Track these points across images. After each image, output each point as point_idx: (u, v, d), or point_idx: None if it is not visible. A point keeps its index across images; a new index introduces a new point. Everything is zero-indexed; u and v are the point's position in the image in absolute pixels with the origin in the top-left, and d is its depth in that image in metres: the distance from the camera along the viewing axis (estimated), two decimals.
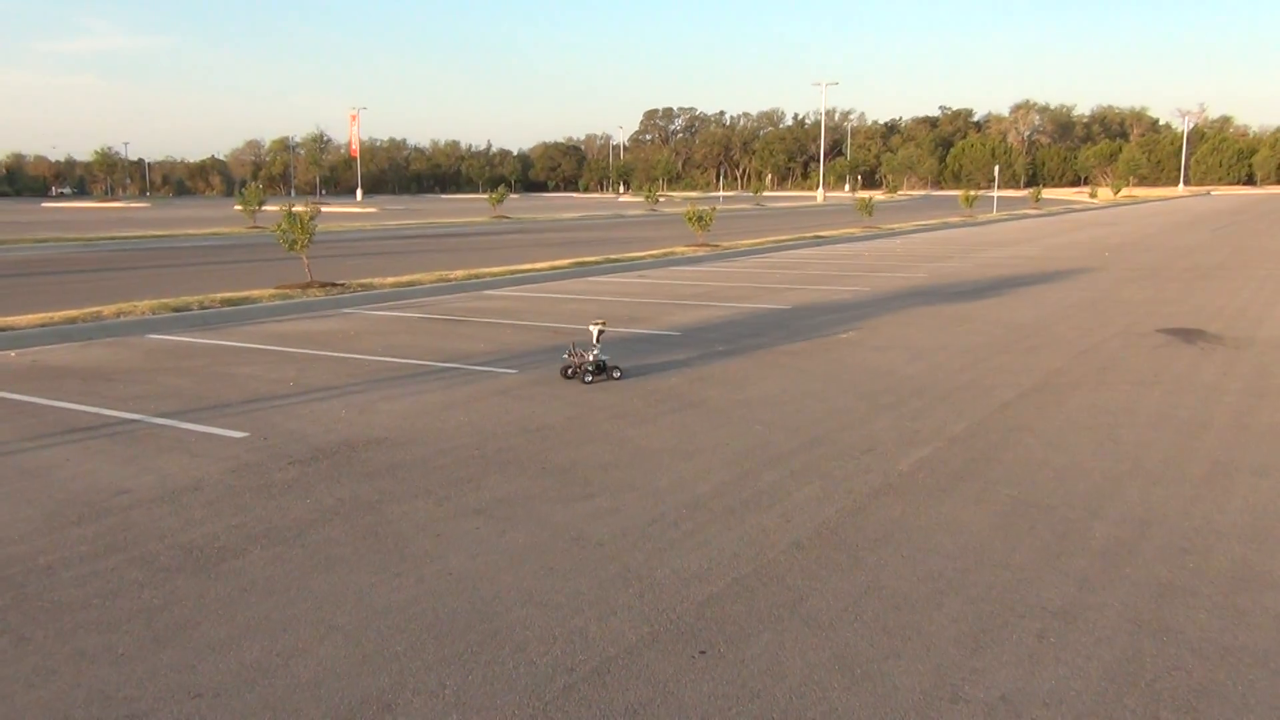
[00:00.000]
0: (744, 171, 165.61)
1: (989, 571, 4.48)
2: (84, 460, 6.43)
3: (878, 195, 72.65)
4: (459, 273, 18.16)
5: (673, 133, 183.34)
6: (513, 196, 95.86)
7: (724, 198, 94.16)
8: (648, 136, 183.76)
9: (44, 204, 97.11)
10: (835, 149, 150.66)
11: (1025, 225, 40.77)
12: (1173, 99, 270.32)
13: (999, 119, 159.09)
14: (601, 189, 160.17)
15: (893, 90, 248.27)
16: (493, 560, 4.68)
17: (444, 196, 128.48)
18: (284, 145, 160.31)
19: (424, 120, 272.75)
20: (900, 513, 5.27)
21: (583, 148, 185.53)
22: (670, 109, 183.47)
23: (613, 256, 22.18)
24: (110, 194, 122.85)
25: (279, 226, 15.83)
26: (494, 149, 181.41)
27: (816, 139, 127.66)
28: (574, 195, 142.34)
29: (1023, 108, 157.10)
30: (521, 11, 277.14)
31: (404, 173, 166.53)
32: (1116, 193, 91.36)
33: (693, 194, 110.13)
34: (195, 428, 7.26)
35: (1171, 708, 3.33)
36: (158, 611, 4.17)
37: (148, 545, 4.93)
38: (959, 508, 5.35)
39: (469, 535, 5.01)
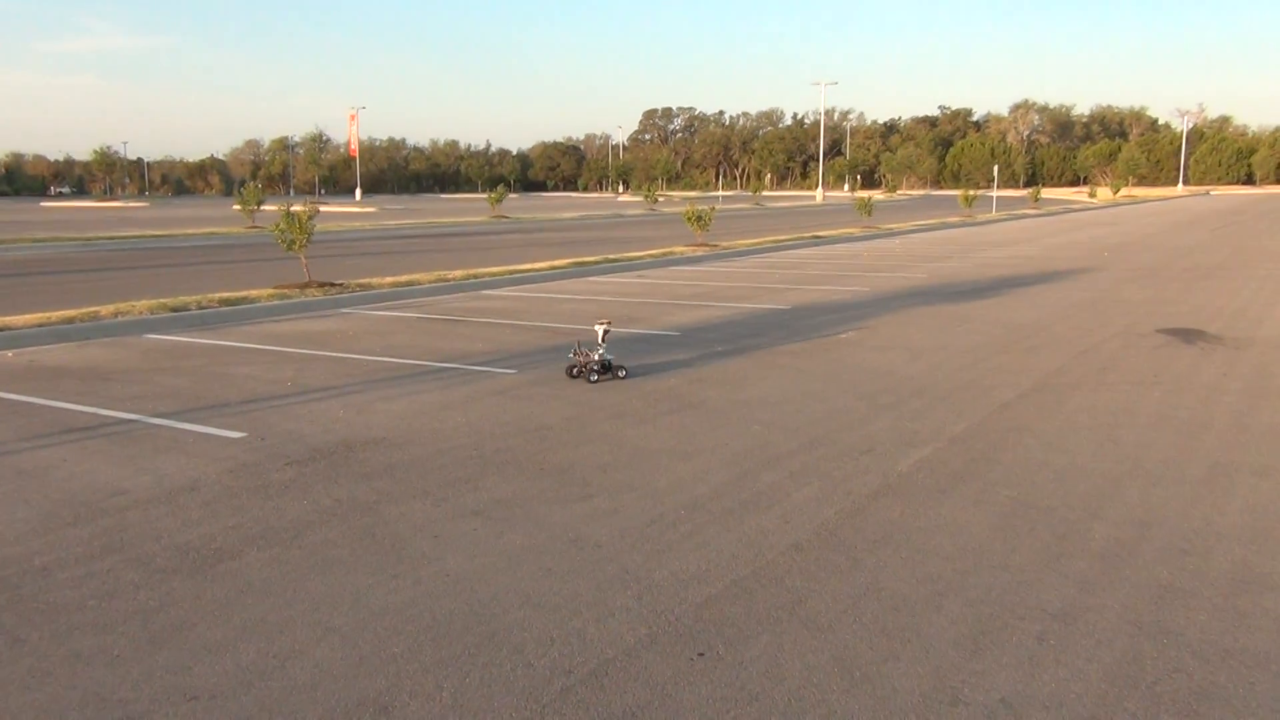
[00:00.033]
0: (743, 171, 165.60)
1: (988, 573, 4.46)
2: (81, 460, 6.41)
3: (877, 195, 72.64)
4: (458, 273, 18.14)
5: (672, 132, 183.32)
6: (512, 196, 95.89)
7: (723, 197, 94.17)
8: (647, 136, 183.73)
9: (43, 203, 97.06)
10: (834, 149, 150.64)
11: (1024, 225, 40.77)
12: (1172, 99, 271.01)
13: (998, 119, 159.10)
14: (601, 189, 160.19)
15: (892, 90, 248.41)
16: (490, 561, 4.66)
17: (443, 196, 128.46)
18: (283, 145, 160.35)
19: (423, 120, 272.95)
20: (899, 514, 5.26)
21: (582, 147, 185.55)
22: (669, 109, 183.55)
23: (611, 256, 22.17)
24: (109, 193, 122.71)
25: (277, 226, 15.81)
26: (493, 149, 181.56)
27: (816, 139, 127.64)
28: (573, 195, 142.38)
29: (1022, 107, 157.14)
30: (521, 11, 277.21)
31: (403, 172, 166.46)
32: (1116, 192, 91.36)
33: (692, 194, 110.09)
34: (192, 428, 7.24)
35: (1172, 711, 3.31)
36: (154, 613, 4.15)
37: (144, 546, 4.91)
38: (958, 509, 5.33)
39: (467, 536, 4.99)
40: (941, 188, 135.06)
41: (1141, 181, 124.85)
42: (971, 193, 50.74)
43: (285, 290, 15.18)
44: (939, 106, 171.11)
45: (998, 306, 13.96)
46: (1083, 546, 4.78)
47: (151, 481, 5.95)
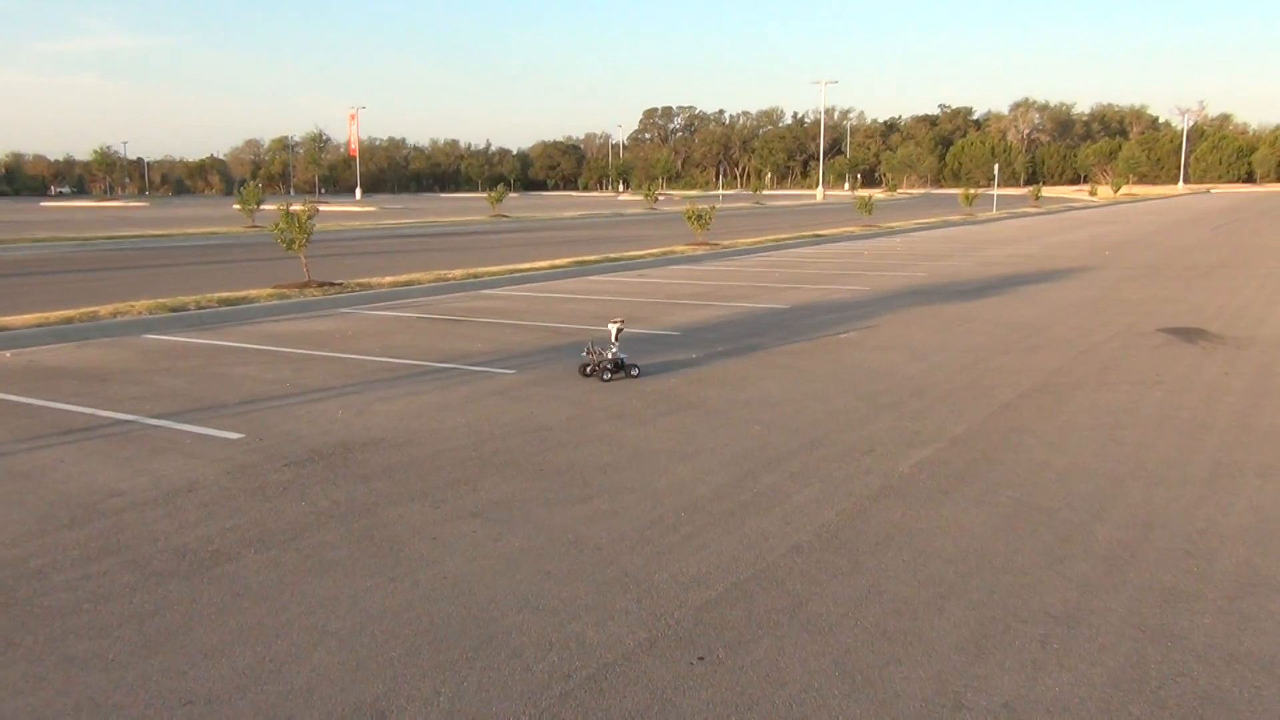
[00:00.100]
0: (743, 170, 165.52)
1: (990, 575, 4.43)
2: (78, 462, 6.38)
3: (877, 194, 72.55)
4: (457, 272, 18.11)
5: (672, 131, 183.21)
6: (512, 195, 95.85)
7: (723, 196, 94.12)
8: (647, 135, 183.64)
9: (42, 203, 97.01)
10: (835, 147, 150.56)
11: (1025, 223, 40.73)
12: (1172, 97, 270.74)
13: (999, 117, 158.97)
14: (601, 188, 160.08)
15: (892, 88, 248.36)
16: (489, 564, 4.63)
17: (443, 195, 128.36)
18: (283, 144, 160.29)
19: (423, 119, 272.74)
20: (901, 515, 5.22)
21: (582, 146, 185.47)
22: (669, 108, 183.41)
23: (612, 256, 22.13)
24: (109, 193, 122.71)
25: (277, 226, 15.77)
26: (493, 148, 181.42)
27: (816, 137, 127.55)
28: (573, 194, 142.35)
29: (1022, 106, 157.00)
30: (520, 10, 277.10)
31: (403, 172, 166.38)
32: (1116, 191, 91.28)
33: (692, 193, 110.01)
34: (190, 429, 7.21)
35: (1177, 716, 3.28)
36: (149, 616, 4.12)
37: (140, 548, 4.87)
38: (960, 510, 5.30)
39: (465, 538, 4.96)
40: (942, 186, 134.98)
41: (1142, 180, 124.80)
42: (972, 191, 50.72)
43: (284, 290, 15.15)
44: (939, 105, 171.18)
45: (998, 305, 13.92)
46: (1085, 548, 4.74)
47: (149, 483, 5.92)
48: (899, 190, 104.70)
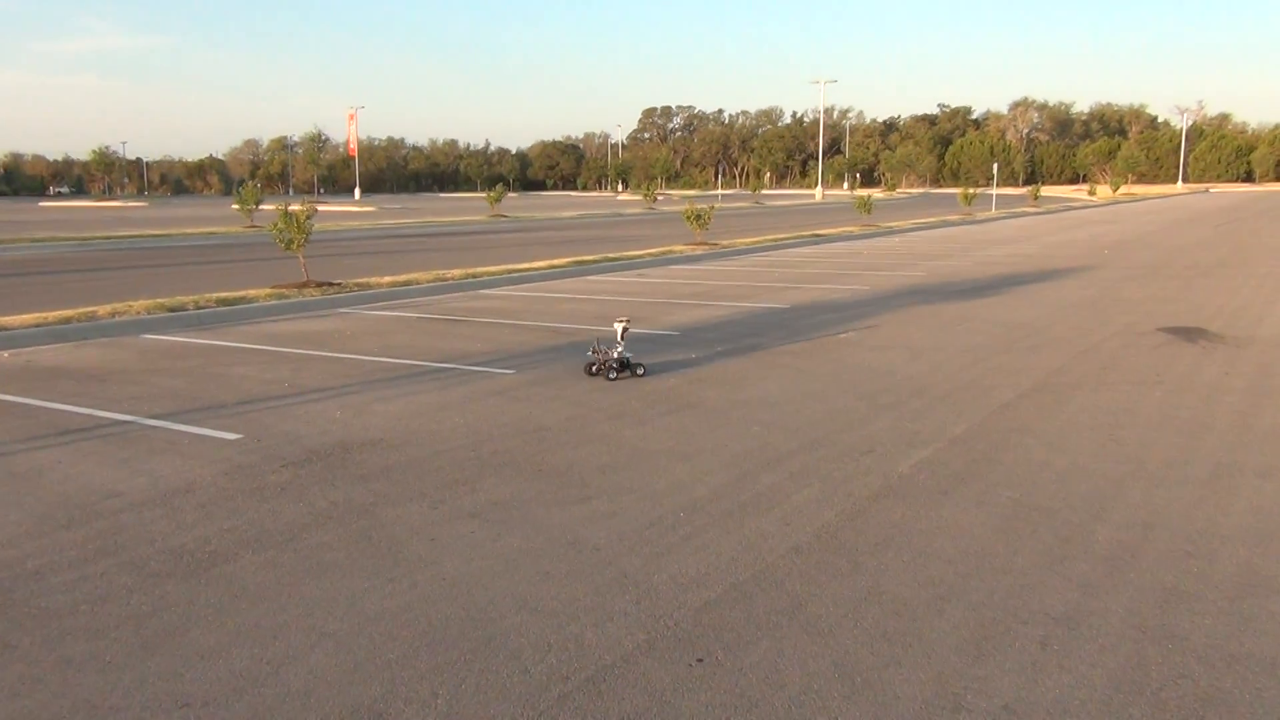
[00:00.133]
0: (742, 170, 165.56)
1: (990, 576, 4.42)
2: (75, 462, 6.36)
3: (876, 193, 72.54)
4: (456, 272, 18.09)
5: (671, 131, 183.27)
6: (511, 195, 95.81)
7: (722, 196, 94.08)
8: (646, 135, 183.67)
9: (41, 203, 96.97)
10: (834, 147, 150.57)
11: (1024, 223, 40.72)
12: (1171, 96, 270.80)
13: (998, 116, 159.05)
14: (600, 187, 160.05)
15: (891, 88, 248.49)
16: (487, 565, 4.61)
17: (442, 195, 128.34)
18: (282, 144, 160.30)
19: (422, 119, 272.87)
20: (900, 516, 5.21)
21: (581, 146, 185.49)
22: (668, 107, 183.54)
23: (611, 255, 22.12)
24: (108, 193, 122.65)
25: (275, 226, 15.76)
26: (492, 148, 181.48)
27: (815, 137, 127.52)
28: (572, 194, 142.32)
29: (1021, 105, 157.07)
30: (519, 10, 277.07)
31: (402, 172, 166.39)
32: (1115, 190, 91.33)
33: (691, 192, 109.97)
34: (188, 429, 7.19)
35: (1178, 717, 3.27)
36: (147, 618, 4.10)
37: (138, 549, 4.86)
38: (960, 511, 5.28)
39: (464, 539, 4.94)
40: (941, 186, 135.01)
41: (1141, 179, 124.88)
42: (971, 191, 50.73)
43: (283, 290, 15.13)
44: (938, 104, 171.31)
45: (998, 305, 13.91)
46: (1085, 549, 4.73)
47: (146, 484, 5.90)
48: (898, 190, 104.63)
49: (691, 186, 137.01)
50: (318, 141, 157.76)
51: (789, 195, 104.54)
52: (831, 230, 32.51)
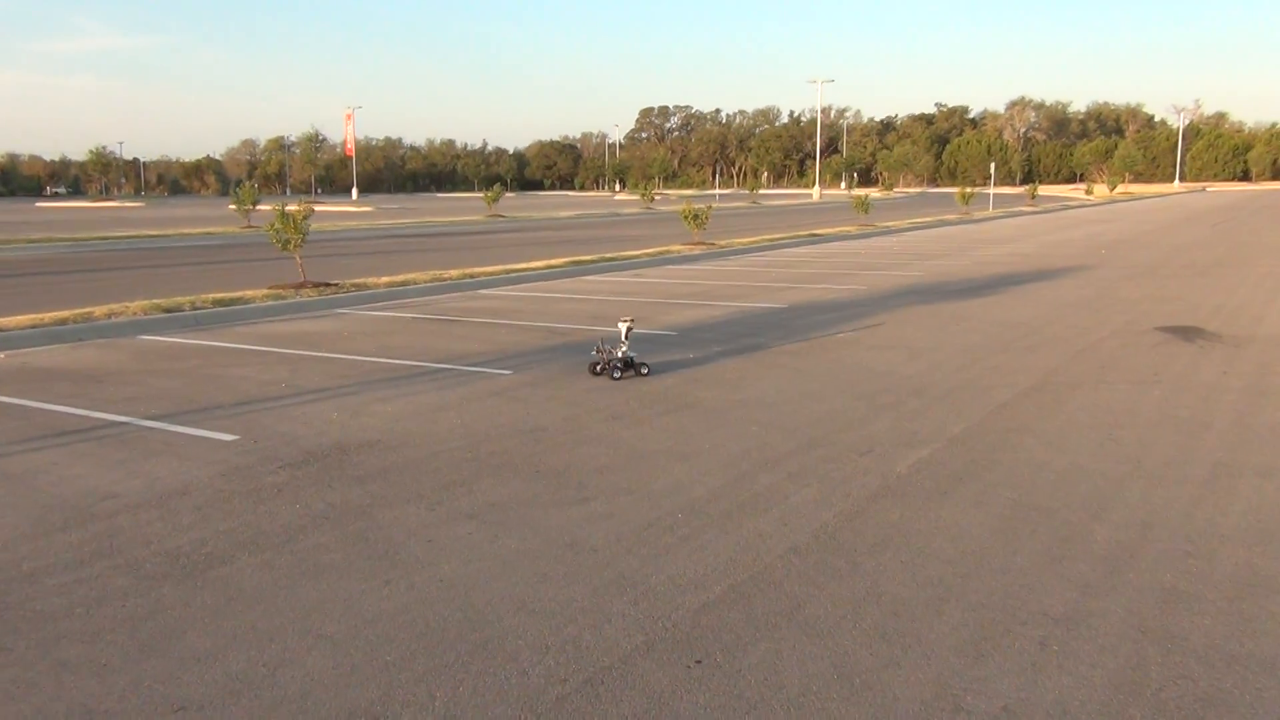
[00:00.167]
0: (740, 169, 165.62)
1: (989, 577, 4.40)
2: (71, 464, 6.34)
3: (874, 193, 72.61)
4: (454, 272, 18.07)
5: (668, 131, 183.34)
6: (508, 195, 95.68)
7: (720, 195, 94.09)
8: (643, 135, 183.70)
9: (38, 204, 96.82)
10: (831, 146, 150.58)
11: (1021, 222, 40.74)
12: (1168, 95, 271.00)
13: (995, 116, 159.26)
14: (597, 187, 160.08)
15: (888, 87, 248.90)
16: (485, 567, 4.60)
17: (439, 195, 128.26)
18: (279, 144, 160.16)
19: (420, 119, 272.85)
20: (899, 516, 5.20)
21: (578, 146, 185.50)
22: (666, 107, 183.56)
23: (608, 255, 22.10)
24: (105, 194, 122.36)
25: (272, 226, 15.73)
26: (490, 148, 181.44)
27: (812, 136, 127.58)
28: (570, 193, 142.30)
29: (1018, 104, 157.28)
30: (517, 10, 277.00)
31: (399, 172, 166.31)
32: (1112, 189, 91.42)
33: (688, 192, 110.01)
34: (185, 430, 7.17)
35: (1178, 718, 3.25)
36: (142, 620, 4.08)
37: (134, 552, 4.84)
38: (958, 511, 5.27)
39: (461, 541, 4.92)
40: (938, 185, 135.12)
41: (1138, 178, 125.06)
42: (968, 190, 50.75)
43: (280, 290, 15.10)
44: (935, 104, 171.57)
45: (996, 305, 13.90)
46: (1085, 549, 4.72)
47: (143, 485, 5.88)
48: (895, 189, 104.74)
49: (689, 186, 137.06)
50: (315, 141, 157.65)
51: (786, 195, 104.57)
52: (829, 230, 32.51)
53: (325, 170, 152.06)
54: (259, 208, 39.03)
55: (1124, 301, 14.12)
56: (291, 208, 16.06)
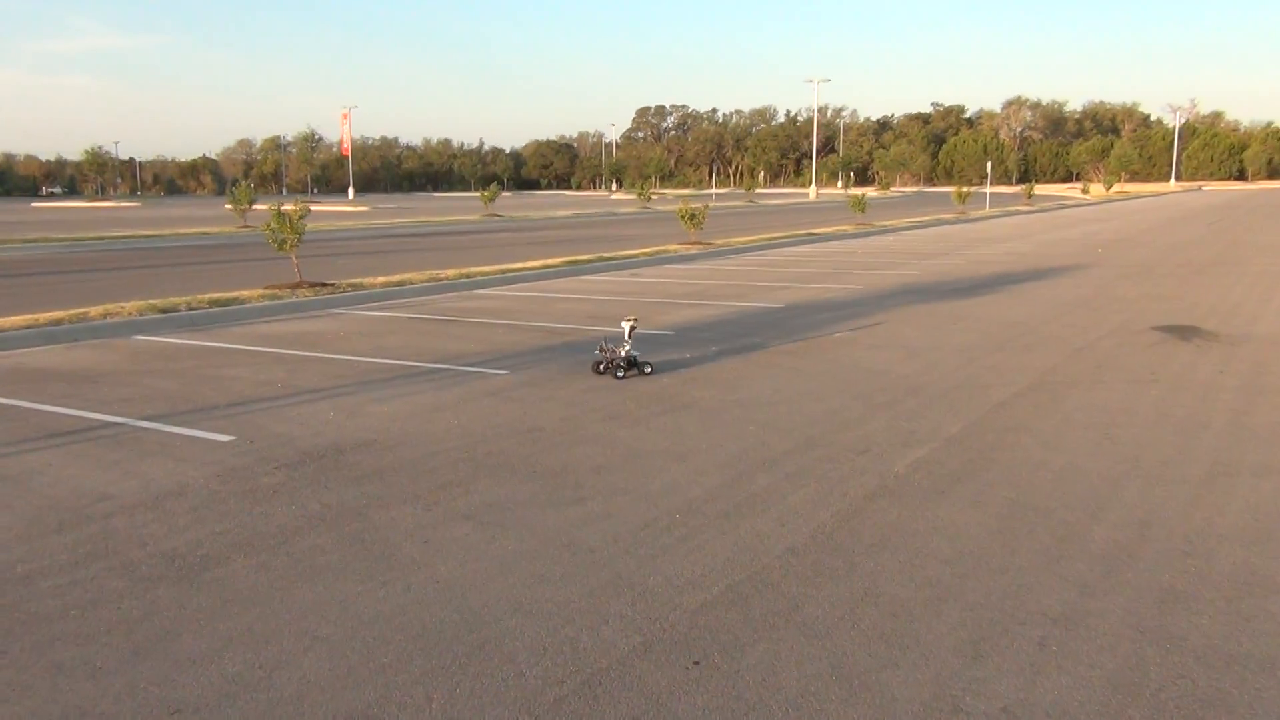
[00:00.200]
0: (736, 169, 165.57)
1: (987, 577, 4.40)
2: (66, 465, 6.32)
3: (870, 192, 72.65)
4: (450, 272, 18.04)
5: (665, 130, 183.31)
6: (505, 194, 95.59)
7: (716, 195, 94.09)
8: (640, 134, 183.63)
9: (34, 204, 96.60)
10: (828, 146, 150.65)
11: (1018, 221, 40.76)
12: (1164, 95, 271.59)
13: (991, 115, 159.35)
14: (594, 187, 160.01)
15: (885, 87, 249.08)
16: (482, 567, 4.58)
17: (436, 195, 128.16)
18: (275, 144, 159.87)
19: (416, 119, 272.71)
20: (897, 516, 5.19)
21: (575, 145, 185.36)
22: (662, 106, 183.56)
23: (605, 255, 22.08)
24: (101, 193, 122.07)
25: (268, 226, 15.71)
26: (486, 147, 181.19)
27: (809, 136, 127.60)
28: (566, 193, 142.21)
29: (1015, 104, 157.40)
30: (513, 9, 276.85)
31: (396, 171, 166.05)
32: (1108, 188, 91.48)
33: (685, 191, 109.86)
34: (181, 431, 7.15)
35: (1177, 719, 3.25)
36: (138, 623, 4.06)
37: (129, 553, 4.82)
38: (956, 511, 5.26)
39: (458, 542, 4.91)
40: (935, 184, 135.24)
41: (1134, 177, 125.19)
42: (965, 189, 50.78)
43: (276, 290, 15.07)
44: (932, 103, 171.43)
45: (992, 304, 13.90)
46: (1083, 549, 4.71)
47: (138, 486, 5.86)
48: (892, 188, 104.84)
49: (685, 186, 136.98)
50: (311, 141, 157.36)
51: (783, 194, 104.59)
52: (826, 229, 32.51)
53: (321, 170, 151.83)
54: (255, 207, 38.99)
55: (1120, 300, 14.12)
56: (288, 207, 16.03)
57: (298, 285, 15.44)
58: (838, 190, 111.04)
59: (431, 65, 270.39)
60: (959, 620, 3.96)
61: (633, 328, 9.06)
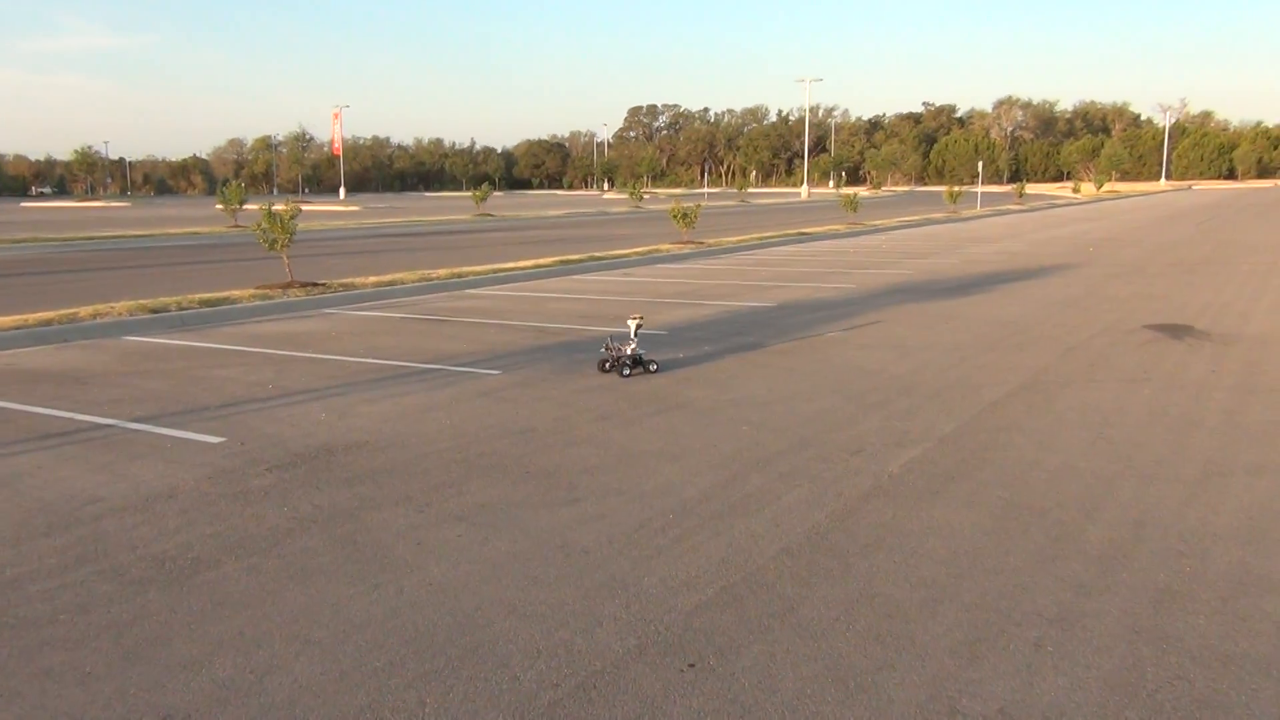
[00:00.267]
0: (728, 168, 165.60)
1: (983, 577, 4.38)
2: (55, 467, 6.27)
3: (862, 191, 72.71)
4: (442, 272, 17.99)
5: (657, 129, 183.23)
6: (496, 194, 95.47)
7: (708, 194, 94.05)
8: (632, 133, 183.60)
9: (23, 204, 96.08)
10: (819, 145, 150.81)
11: (1009, 221, 40.84)
12: (1154, 94, 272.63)
13: (982, 115, 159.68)
14: (586, 186, 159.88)
15: (876, 86, 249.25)
16: (475, 570, 4.55)
17: (428, 194, 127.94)
18: (266, 144, 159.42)
19: (407, 118, 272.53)
20: (891, 516, 5.17)
21: (567, 145, 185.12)
22: (654, 106, 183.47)
23: (597, 254, 22.04)
24: (91, 193, 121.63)
25: (259, 226, 15.63)
26: (478, 146, 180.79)
27: (800, 135, 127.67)
28: (558, 192, 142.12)
29: (1005, 103, 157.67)
30: (505, 8, 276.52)
31: (387, 171, 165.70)
32: (1099, 188, 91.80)
33: (677, 191, 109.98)
34: (171, 433, 7.10)
35: None
36: (127, 627, 4.02)
37: (119, 557, 4.78)
38: (950, 511, 5.25)
39: (450, 543, 4.88)
40: (926, 184, 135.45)
41: (1124, 177, 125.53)
42: (956, 189, 50.87)
43: (267, 290, 15.01)
44: (923, 103, 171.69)
45: (984, 303, 13.91)
46: (1078, 548, 4.70)
47: (128, 489, 5.81)
48: (883, 188, 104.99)
49: (677, 185, 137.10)
50: (302, 141, 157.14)
51: (775, 194, 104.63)
52: (817, 229, 32.52)
53: (312, 169, 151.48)
54: (246, 207, 38.86)
55: (1112, 299, 14.14)
56: (278, 207, 15.96)
57: (289, 285, 15.37)
58: (829, 190, 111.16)
59: (423, 65, 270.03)
60: (955, 621, 3.95)
61: (638, 326, 9.08)
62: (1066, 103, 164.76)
